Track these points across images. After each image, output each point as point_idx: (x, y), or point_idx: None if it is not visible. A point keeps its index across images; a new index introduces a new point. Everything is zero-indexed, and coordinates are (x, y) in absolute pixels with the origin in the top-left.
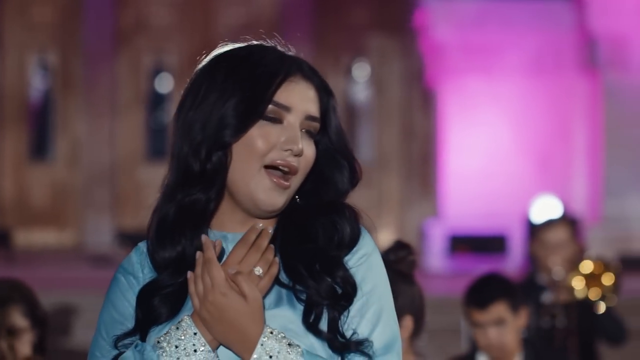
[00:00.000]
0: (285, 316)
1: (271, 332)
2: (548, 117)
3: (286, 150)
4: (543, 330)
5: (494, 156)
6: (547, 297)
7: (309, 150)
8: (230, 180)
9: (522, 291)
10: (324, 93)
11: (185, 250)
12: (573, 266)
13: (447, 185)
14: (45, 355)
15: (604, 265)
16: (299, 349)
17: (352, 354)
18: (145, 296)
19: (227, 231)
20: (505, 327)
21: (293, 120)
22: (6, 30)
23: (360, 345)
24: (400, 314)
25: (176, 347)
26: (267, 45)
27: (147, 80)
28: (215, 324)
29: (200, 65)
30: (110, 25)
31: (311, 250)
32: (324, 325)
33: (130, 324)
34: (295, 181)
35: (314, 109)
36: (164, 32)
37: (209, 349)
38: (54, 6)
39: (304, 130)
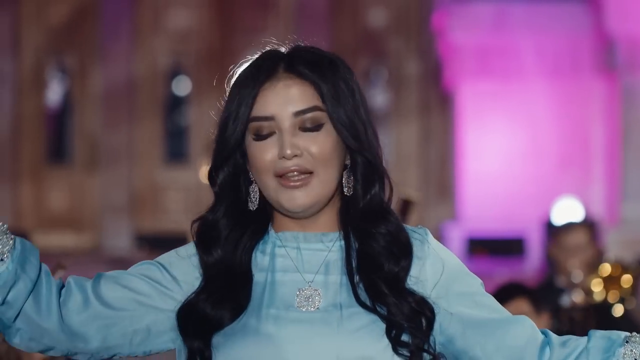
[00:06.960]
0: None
1: None
2: (566, 120)
3: (281, 159)
4: (561, 333)
5: (512, 159)
6: (565, 300)
7: (313, 144)
8: (265, 196)
9: (541, 294)
10: (319, 83)
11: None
12: (591, 269)
13: (465, 187)
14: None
15: (622, 268)
16: None
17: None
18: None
19: (297, 231)
20: None
21: (282, 126)
22: (23, 33)
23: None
24: None
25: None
26: (250, 59)
27: (164, 82)
28: None
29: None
30: (127, 27)
31: (381, 270)
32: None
33: (142, 294)
34: (321, 175)
35: (299, 104)
36: (181, 35)
37: None
38: (70, 8)
39: (301, 128)
